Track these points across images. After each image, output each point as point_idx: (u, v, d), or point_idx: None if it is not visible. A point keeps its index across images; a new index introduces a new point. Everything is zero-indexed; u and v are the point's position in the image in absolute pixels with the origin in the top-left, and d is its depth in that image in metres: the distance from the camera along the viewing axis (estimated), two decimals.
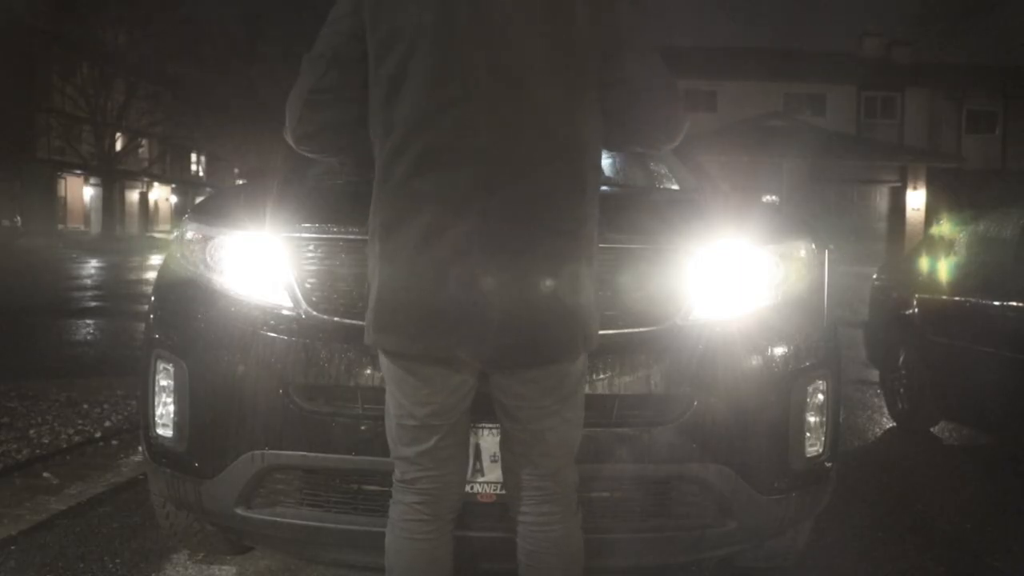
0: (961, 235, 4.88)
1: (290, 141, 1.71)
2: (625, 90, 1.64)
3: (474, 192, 1.53)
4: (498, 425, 1.81)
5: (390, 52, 1.56)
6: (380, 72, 1.58)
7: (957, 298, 4.57)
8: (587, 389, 1.95)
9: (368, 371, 1.97)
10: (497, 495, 1.93)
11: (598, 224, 1.67)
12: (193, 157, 48.75)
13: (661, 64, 1.68)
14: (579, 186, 1.60)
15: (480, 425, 1.90)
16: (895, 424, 5.12)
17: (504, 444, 1.77)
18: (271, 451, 2.02)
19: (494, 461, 1.92)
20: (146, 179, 43.10)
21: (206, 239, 2.22)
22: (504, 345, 1.55)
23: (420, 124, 1.54)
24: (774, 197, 22.70)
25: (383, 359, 1.68)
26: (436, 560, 1.72)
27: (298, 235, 2.08)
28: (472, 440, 1.92)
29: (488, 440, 1.93)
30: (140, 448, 2.37)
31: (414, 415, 1.66)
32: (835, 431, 2.24)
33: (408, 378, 1.64)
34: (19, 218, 30.70)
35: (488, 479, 1.94)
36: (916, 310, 4.93)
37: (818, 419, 2.18)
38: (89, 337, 7.99)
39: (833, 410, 2.22)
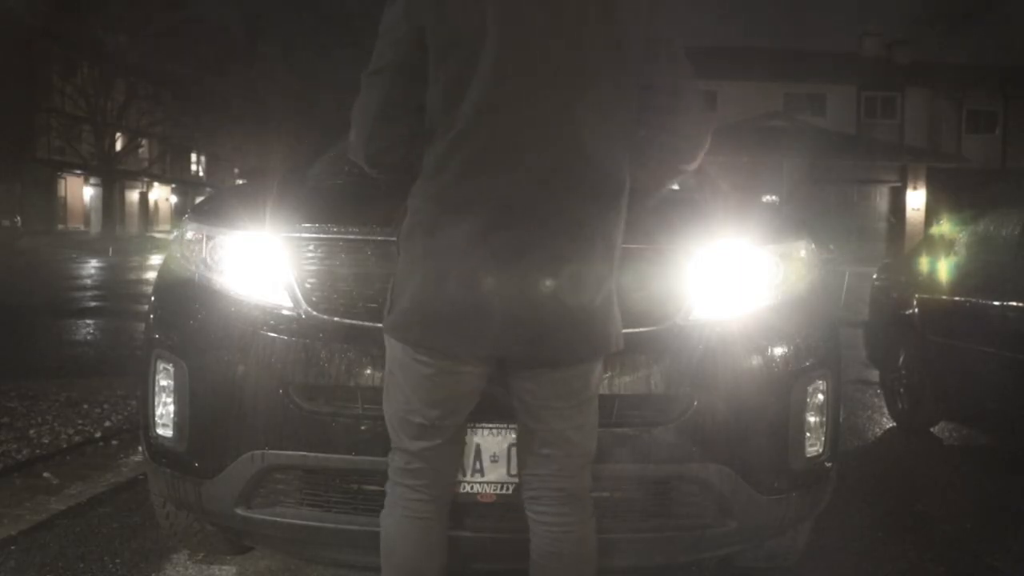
0: (961, 235, 4.88)
1: (361, 161, 1.69)
2: (657, 96, 1.64)
3: (524, 200, 1.55)
4: (498, 425, 1.81)
5: (451, 54, 1.56)
6: (440, 73, 1.57)
7: (957, 298, 4.57)
8: None
9: (368, 371, 1.97)
10: (497, 495, 1.93)
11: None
12: (193, 157, 48.75)
13: (692, 73, 1.68)
14: (614, 193, 1.63)
15: (480, 425, 1.90)
16: (895, 424, 5.11)
17: (525, 445, 1.77)
18: (271, 451, 2.01)
19: (494, 461, 1.92)
20: (146, 179, 43.10)
21: (206, 239, 2.22)
22: (542, 347, 1.58)
23: (476, 127, 1.55)
24: (774, 197, 22.70)
25: (400, 356, 1.67)
26: (434, 543, 1.75)
27: (298, 235, 2.08)
28: (472, 440, 1.93)
29: (488, 440, 1.93)
30: (140, 448, 2.37)
31: (424, 415, 1.68)
32: (835, 431, 2.24)
33: (426, 380, 1.65)
34: (19, 218, 30.68)
35: (488, 479, 1.94)
36: (916, 310, 4.93)
37: (818, 419, 2.18)
38: (89, 337, 7.99)
39: (833, 410, 2.22)
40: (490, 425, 1.89)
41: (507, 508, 1.88)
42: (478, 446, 1.93)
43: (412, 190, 1.65)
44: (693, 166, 1.73)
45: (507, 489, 1.93)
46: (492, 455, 1.92)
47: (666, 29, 1.64)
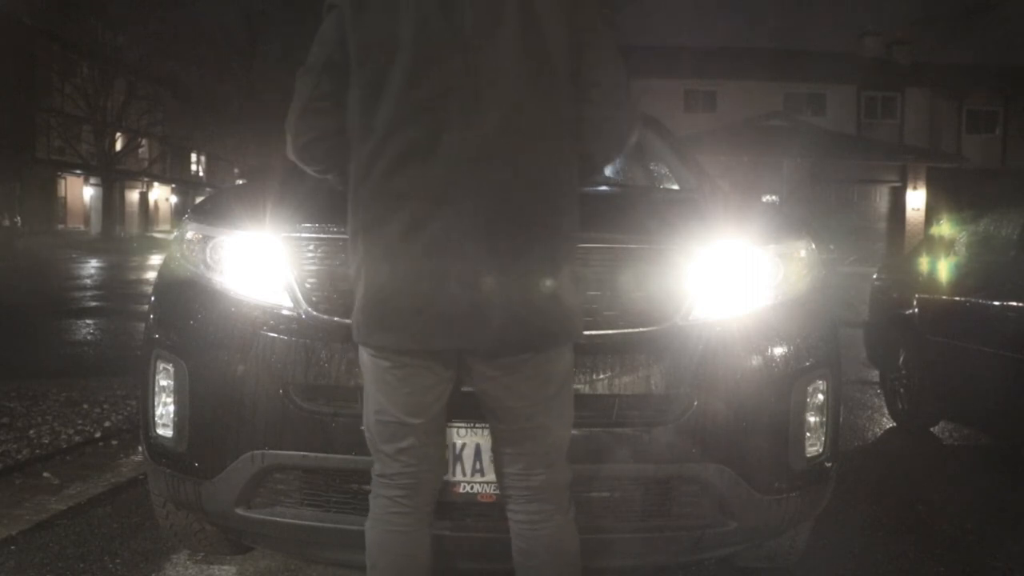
0: (961, 235, 4.88)
1: (292, 156, 1.77)
2: (584, 91, 1.66)
3: (450, 188, 1.57)
4: None
5: (368, 60, 1.62)
6: (359, 78, 1.64)
7: (957, 298, 4.56)
8: (587, 389, 1.96)
9: None
10: (497, 495, 1.93)
11: (581, 220, 1.70)
12: (193, 157, 48.77)
13: (622, 69, 1.71)
14: (550, 178, 1.63)
15: (481, 425, 1.90)
16: (895, 424, 5.12)
17: (494, 445, 1.79)
18: (271, 451, 2.02)
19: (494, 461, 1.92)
20: (146, 179, 43.11)
21: (206, 239, 2.22)
22: (484, 336, 1.58)
23: (397, 125, 1.59)
24: (774, 197, 22.71)
25: (364, 357, 1.72)
26: (417, 555, 1.76)
27: (298, 235, 2.08)
28: (472, 440, 1.93)
29: (488, 440, 1.92)
30: (140, 448, 2.37)
31: (392, 414, 1.70)
32: (835, 431, 2.24)
33: (388, 376, 1.68)
34: (19, 218, 30.70)
35: (488, 479, 1.94)
36: (916, 310, 4.93)
37: (818, 419, 2.18)
38: (89, 337, 7.99)
39: (833, 410, 2.22)
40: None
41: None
42: (478, 446, 1.93)
43: (350, 193, 1.68)
44: (624, 148, 1.80)
45: None
46: (492, 455, 1.92)
47: (592, 19, 1.66)
